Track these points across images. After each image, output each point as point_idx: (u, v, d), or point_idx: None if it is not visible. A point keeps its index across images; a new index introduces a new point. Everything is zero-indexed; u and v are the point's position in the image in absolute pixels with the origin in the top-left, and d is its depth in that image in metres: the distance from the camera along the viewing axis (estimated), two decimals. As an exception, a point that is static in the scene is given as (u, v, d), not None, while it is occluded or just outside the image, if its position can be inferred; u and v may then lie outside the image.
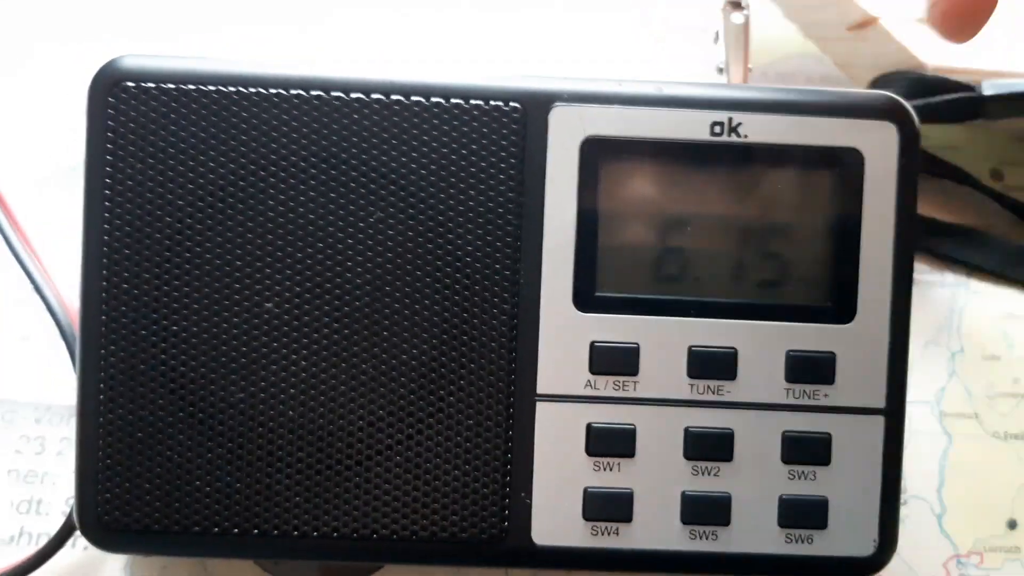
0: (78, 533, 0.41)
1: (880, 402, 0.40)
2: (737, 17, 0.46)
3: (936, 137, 0.51)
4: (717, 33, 0.47)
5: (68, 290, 0.43)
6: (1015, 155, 0.52)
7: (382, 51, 0.51)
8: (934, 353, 0.48)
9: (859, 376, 0.40)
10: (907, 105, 0.41)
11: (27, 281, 0.43)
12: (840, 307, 0.40)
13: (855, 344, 0.40)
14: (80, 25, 0.50)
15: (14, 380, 0.46)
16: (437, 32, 0.51)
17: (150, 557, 0.44)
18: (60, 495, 0.46)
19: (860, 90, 0.42)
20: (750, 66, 0.46)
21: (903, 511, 0.45)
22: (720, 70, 0.46)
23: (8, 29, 0.50)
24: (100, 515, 0.40)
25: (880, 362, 0.40)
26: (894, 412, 0.40)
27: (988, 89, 0.47)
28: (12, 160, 0.48)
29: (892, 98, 0.41)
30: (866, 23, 0.48)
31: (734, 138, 0.40)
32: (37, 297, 0.43)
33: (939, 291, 0.49)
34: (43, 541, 0.43)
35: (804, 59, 0.50)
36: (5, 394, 0.46)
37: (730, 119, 0.40)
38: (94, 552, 0.41)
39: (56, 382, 0.46)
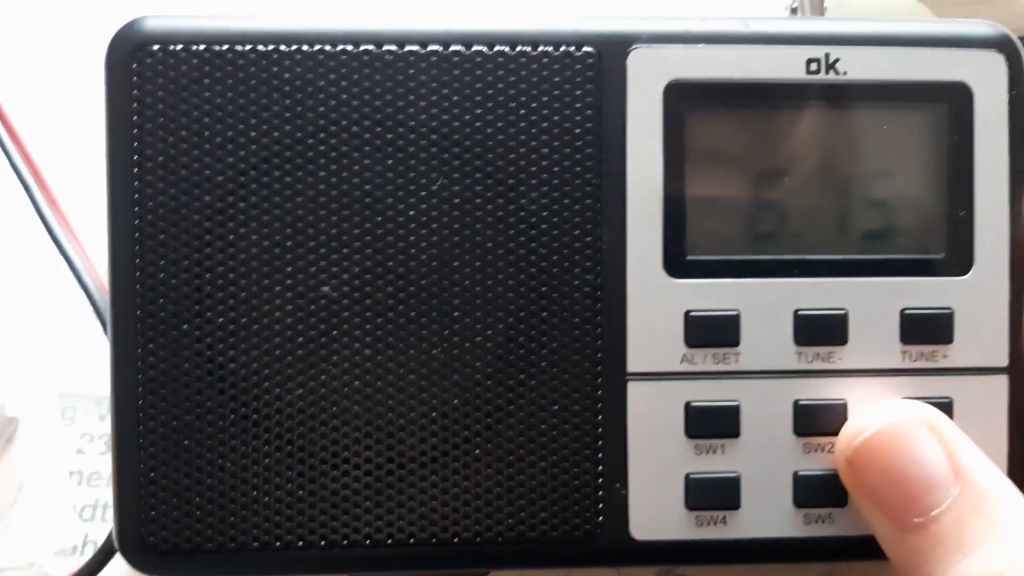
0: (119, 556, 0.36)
1: (1003, 360, 0.37)
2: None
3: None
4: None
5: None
6: None
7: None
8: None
9: (979, 332, 0.37)
10: (1012, 34, 0.37)
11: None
12: (956, 257, 0.37)
13: (974, 297, 0.36)
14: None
15: (75, 373, 0.42)
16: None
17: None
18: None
19: (961, 20, 0.38)
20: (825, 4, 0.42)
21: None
22: (793, 10, 0.42)
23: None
24: (144, 536, 0.35)
25: (1001, 315, 0.37)
26: (1018, 370, 0.37)
27: None
28: (58, 143, 0.43)
29: (996, 26, 0.37)
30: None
31: (832, 76, 0.36)
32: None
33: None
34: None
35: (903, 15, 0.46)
36: (66, 388, 0.42)
37: (827, 55, 0.36)
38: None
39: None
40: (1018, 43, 0.37)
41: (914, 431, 0.33)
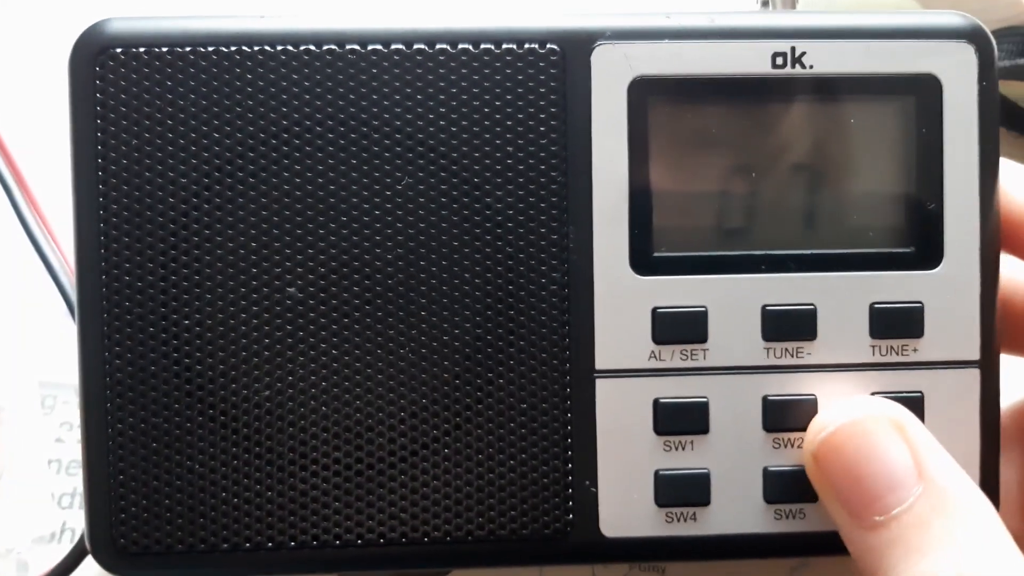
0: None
1: (974, 353, 0.36)
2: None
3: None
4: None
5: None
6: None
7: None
8: None
9: (950, 326, 0.36)
10: (982, 24, 0.37)
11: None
12: (925, 251, 0.36)
13: (944, 291, 0.36)
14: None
15: (55, 362, 0.42)
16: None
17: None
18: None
19: (930, 11, 0.38)
20: (797, -4, 0.41)
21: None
22: (764, 3, 0.42)
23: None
24: (115, 537, 0.35)
25: (972, 309, 0.36)
26: (989, 363, 0.36)
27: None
28: (37, 141, 0.43)
29: (966, 17, 0.37)
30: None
31: (799, 70, 0.36)
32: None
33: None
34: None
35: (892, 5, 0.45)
36: (46, 377, 0.42)
37: (793, 49, 0.36)
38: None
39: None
40: (989, 34, 0.37)
41: (878, 428, 0.33)
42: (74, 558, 0.39)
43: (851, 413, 0.33)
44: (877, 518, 0.31)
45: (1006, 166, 0.37)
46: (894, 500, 0.31)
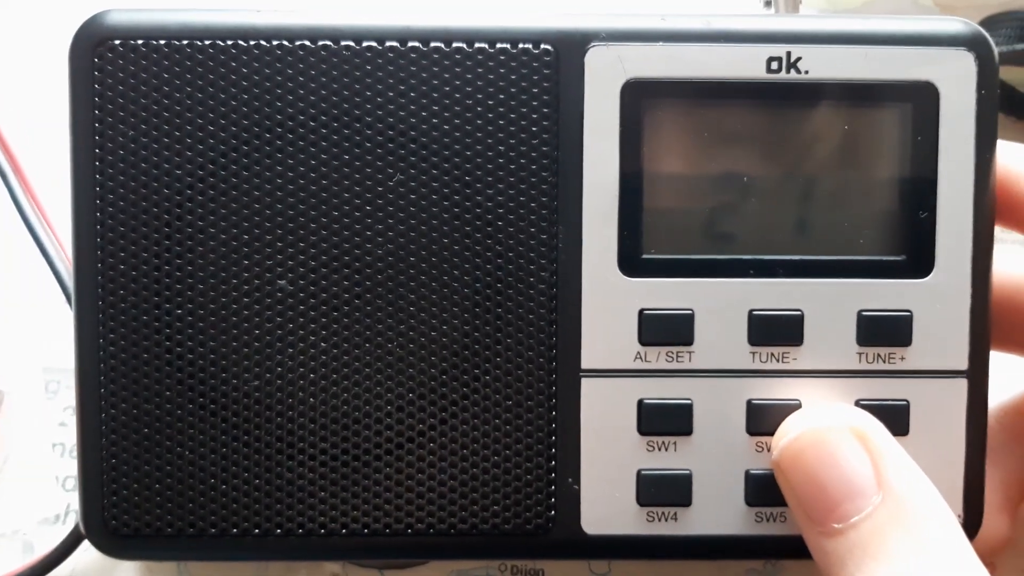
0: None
1: (962, 363, 0.36)
2: (783, -58, 0.42)
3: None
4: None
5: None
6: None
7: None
8: None
9: (938, 335, 0.36)
10: (983, 31, 0.36)
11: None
12: (916, 260, 0.36)
13: (934, 300, 0.36)
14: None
15: (59, 348, 0.43)
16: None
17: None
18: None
19: (931, 16, 0.37)
20: (801, -3, 0.41)
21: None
22: (767, 3, 0.41)
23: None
24: (107, 519, 0.36)
25: (961, 319, 0.36)
26: (977, 374, 0.36)
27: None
28: (35, 131, 0.44)
29: (967, 24, 0.36)
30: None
31: (793, 75, 0.36)
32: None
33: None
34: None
35: (898, 1, 0.45)
36: (50, 363, 0.43)
37: (788, 53, 0.36)
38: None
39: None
40: (991, 41, 0.36)
41: (837, 437, 0.33)
42: (73, 539, 0.40)
43: (813, 421, 0.34)
44: (836, 525, 0.31)
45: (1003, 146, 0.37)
46: (852, 508, 0.31)
